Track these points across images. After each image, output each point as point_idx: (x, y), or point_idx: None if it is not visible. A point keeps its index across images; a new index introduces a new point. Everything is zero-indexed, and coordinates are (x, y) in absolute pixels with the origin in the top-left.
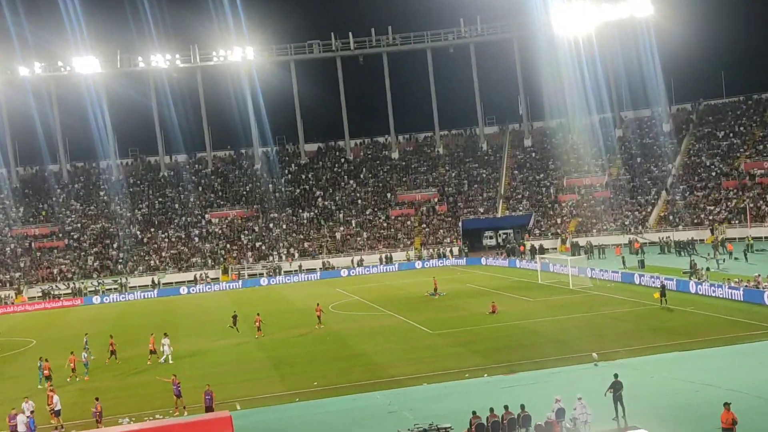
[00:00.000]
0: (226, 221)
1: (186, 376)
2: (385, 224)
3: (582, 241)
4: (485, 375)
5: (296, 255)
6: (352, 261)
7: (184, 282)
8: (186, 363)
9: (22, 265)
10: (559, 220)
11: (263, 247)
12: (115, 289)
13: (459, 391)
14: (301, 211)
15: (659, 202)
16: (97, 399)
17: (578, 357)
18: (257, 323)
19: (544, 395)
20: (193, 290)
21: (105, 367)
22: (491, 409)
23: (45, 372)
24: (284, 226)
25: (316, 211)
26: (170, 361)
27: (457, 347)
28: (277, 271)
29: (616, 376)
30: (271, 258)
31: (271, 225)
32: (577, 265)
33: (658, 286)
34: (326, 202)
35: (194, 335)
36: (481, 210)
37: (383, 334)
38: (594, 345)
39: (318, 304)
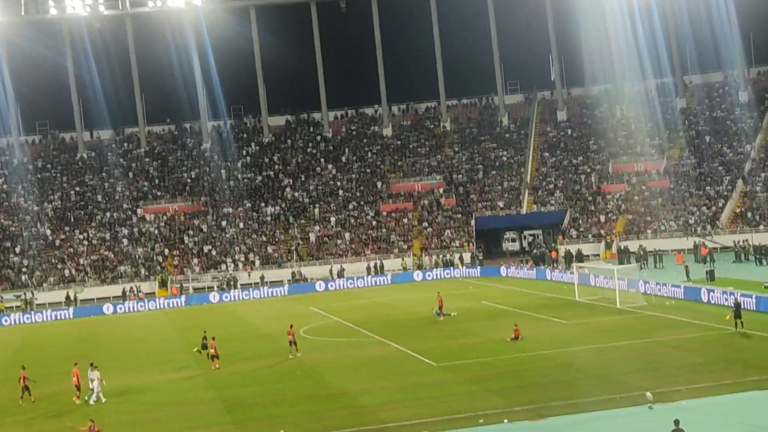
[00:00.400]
0: (165, 218)
1: (109, 423)
2: (374, 223)
3: (633, 245)
4: (505, 421)
5: (257, 263)
6: (331, 271)
7: (109, 298)
8: (111, 404)
9: None
10: (602, 218)
11: (213, 253)
12: (17, 307)
13: None
14: (263, 205)
15: (734, 194)
16: None
17: (627, 397)
18: (212, 349)
19: None
20: (120, 309)
21: (17, 409)
22: None
23: None
24: (241, 225)
25: (283, 206)
26: (102, 399)
27: (468, 384)
28: (232, 284)
29: (677, 423)
30: (224, 267)
31: (224, 223)
32: (627, 277)
33: (732, 306)
34: (297, 194)
35: (122, 368)
36: (501, 204)
37: (371, 367)
38: (648, 382)
39: (291, 327)
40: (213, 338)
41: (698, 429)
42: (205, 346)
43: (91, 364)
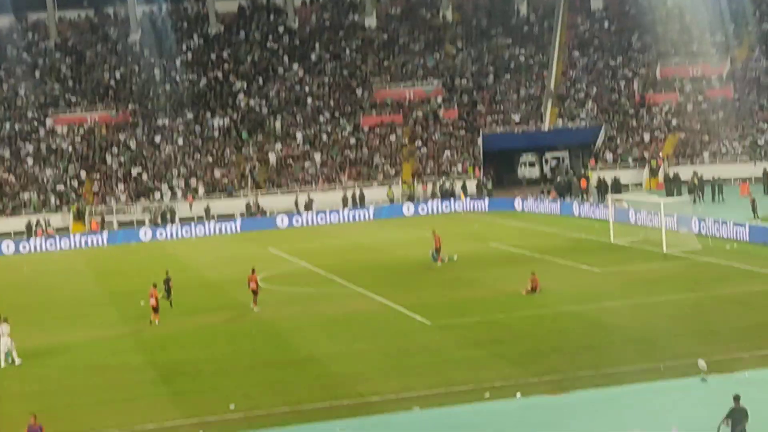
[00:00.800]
0: (81, 131)
1: (12, 395)
2: (352, 141)
3: (685, 172)
4: (517, 395)
5: (201, 191)
6: (297, 203)
7: (10, 234)
8: (14, 371)
9: None
10: (646, 137)
11: (144, 177)
12: None
13: (474, 420)
14: (209, 115)
15: None
16: None
17: (674, 367)
18: (153, 299)
19: (616, 429)
20: (24, 248)
21: None
22: None
23: None
24: (181, 142)
25: (234, 117)
26: (16, 360)
27: (471, 349)
28: (168, 217)
29: (737, 399)
30: (158, 196)
31: (158, 139)
32: (677, 213)
33: None
34: (253, 102)
35: (27, 325)
36: (517, 119)
37: (348, 325)
38: (701, 347)
39: (253, 272)
40: (153, 285)
41: (765, 407)
42: (169, 291)
43: (3, 319)
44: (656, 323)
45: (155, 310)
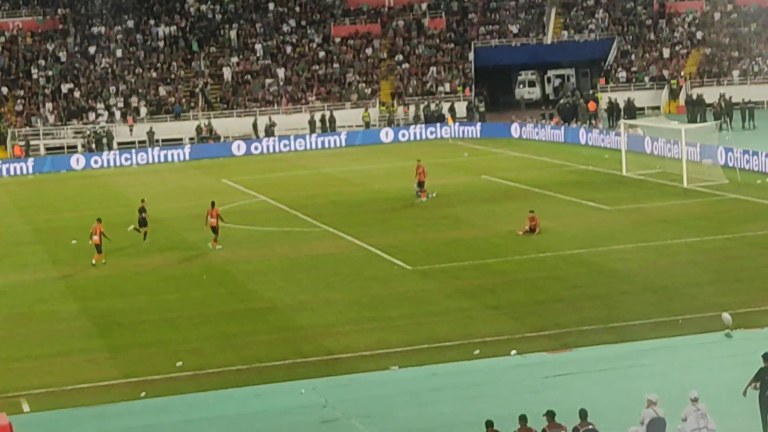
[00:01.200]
0: (2, 39)
1: None
2: (321, 54)
3: (711, 94)
4: (513, 352)
5: (143, 112)
6: (255, 126)
7: None
8: None
9: None
10: (666, 53)
11: (77, 95)
12: None
13: (461, 381)
14: (153, 23)
15: None
16: None
17: (695, 320)
18: (96, 235)
19: (626, 392)
20: None
21: None
22: (522, 419)
23: None
24: (119, 54)
25: (183, 25)
26: None
27: (459, 299)
28: (105, 142)
29: (766, 358)
30: (92, 116)
31: (92, 50)
32: (700, 142)
33: None
34: (204, 7)
35: None
36: (514, 30)
37: (315, 270)
38: (726, 297)
39: (213, 205)
40: (99, 220)
41: None
42: (144, 222)
43: None
44: (674, 270)
45: (98, 249)
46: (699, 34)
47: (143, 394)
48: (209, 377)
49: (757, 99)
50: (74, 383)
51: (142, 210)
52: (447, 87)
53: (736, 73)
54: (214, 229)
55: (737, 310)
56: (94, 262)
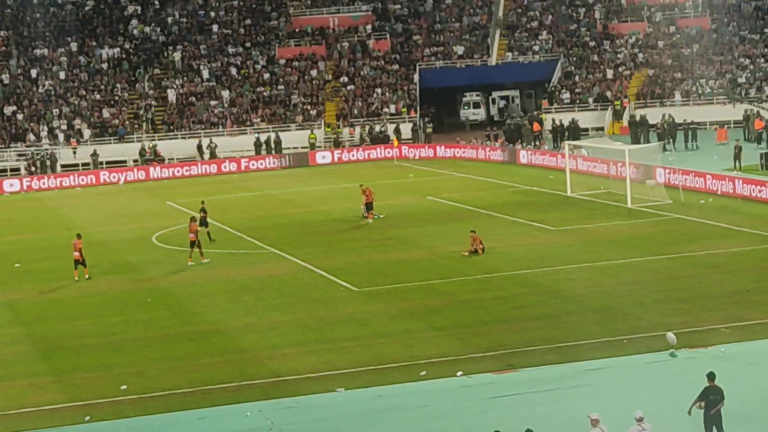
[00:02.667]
0: None
1: None
2: (266, 76)
3: (654, 115)
4: (459, 373)
5: (86, 134)
6: (200, 147)
7: None
8: None
9: None
10: (609, 74)
11: (19, 117)
12: None
13: (407, 402)
14: (96, 45)
15: None
16: None
17: (639, 340)
18: (77, 252)
19: (570, 412)
20: None
21: None
22: None
23: None
24: (62, 76)
25: (127, 47)
26: None
27: (405, 320)
28: (49, 164)
29: (711, 377)
30: (33, 139)
31: (34, 72)
32: (644, 162)
33: None
34: (148, 29)
35: None
36: (459, 51)
37: (260, 293)
38: (671, 317)
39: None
40: (78, 236)
41: (743, 386)
42: (206, 222)
43: None
44: (619, 290)
45: (77, 264)
46: (641, 56)
47: (88, 418)
48: (154, 401)
49: (699, 120)
50: (18, 407)
51: (202, 210)
52: (392, 108)
53: (678, 94)
54: (193, 244)
55: (681, 329)
56: (77, 278)
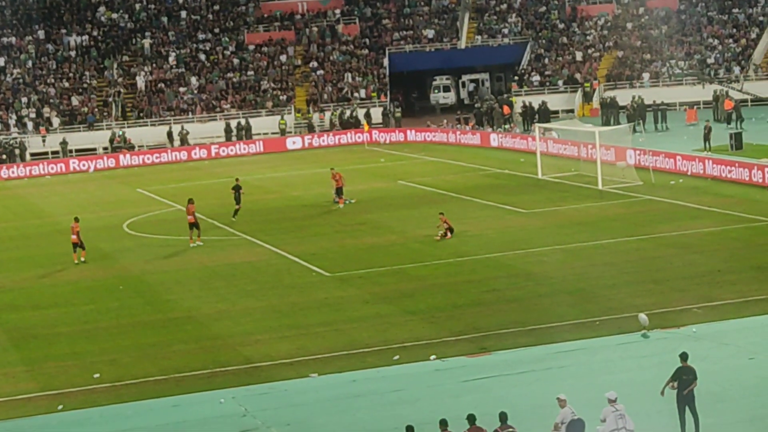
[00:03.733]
0: None
1: None
2: (235, 62)
3: (624, 96)
4: (432, 357)
5: (55, 122)
6: (170, 134)
7: None
8: None
9: None
10: (578, 56)
11: None
12: None
13: (381, 387)
14: (64, 32)
15: None
16: None
17: (611, 321)
18: (74, 235)
19: (543, 394)
20: None
21: None
22: (443, 423)
23: None
24: (30, 64)
25: (95, 34)
26: None
27: (377, 304)
28: (18, 152)
29: (684, 357)
30: (1, 127)
31: (2, 61)
32: (615, 144)
33: None
34: (116, 16)
35: None
36: (428, 35)
37: (232, 279)
38: (643, 299)
39: (190, 201)
40: (76, 219)
41: (715, 366)
42: (239, 198)
43: None
44: (590, 272)
45: (75, 247)
46: (610, 38)
47: (60, 407)
48: (127, 389)
49: (668, 101)
50: None
51: (237, 188)
52: (362, 93)
53: (647, 76)
54: (192, 225)
55: (653, 310)
56: (76, 261)
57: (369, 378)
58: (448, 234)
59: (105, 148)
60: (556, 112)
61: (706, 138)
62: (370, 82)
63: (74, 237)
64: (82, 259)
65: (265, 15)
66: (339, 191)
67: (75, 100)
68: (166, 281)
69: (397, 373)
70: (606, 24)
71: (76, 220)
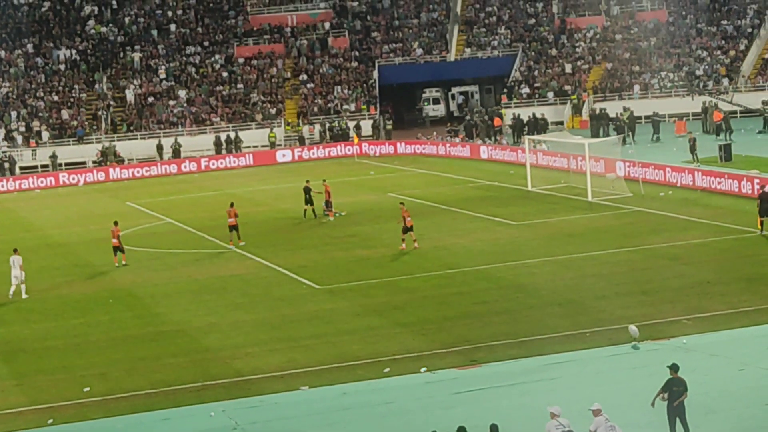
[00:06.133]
0: None
1: None
2: (225, 75)
3: (613, 108)
4: (423, 369)
5: (45, 135)
6: (160, 147)
7: None
8: None
9: None
10: (568, 68)
11: None
12: None
13: (372, 399)
14: (53, 46)
15: (762, 32)
16: None
17: (602, 333)
18: (115, 239)
19: (534, 406)
20: None
21: None
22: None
23: None
24: (20, 79)
25: (84, 47)
26: (23, 295)
27: (368, 317)
28: (7, 166)
29: (674, 368)
30: None
31: None
32: (604, 156)
33: (758, 197)
34: (105, 29)
35: None
36: (419, 49)
37: (222, 292)
38: (633, 310)
39: (232, 205)
40: (116, 223)
41: (705, 377)
42: (311, 200)
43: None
44: (581, 283)
45: (116, 250)
46: (600, 50)
47: (50, 420)
48: (117, 402)
49: (659, 112)
50: None
51: (308, 190)
52: (352, 106)
53: (637, 87)
54: (234, 228)
55: (643, 321)
56: (117, 264)
57: (359, 390)
58: (409, 225)
59: (94, 162)
60: (546, 123)
61: (692, 149)
62: (359, 95)
63: (115, 240)
64: (123, 262)
65: (255, 28)
66: (328, 204)
67: (64, 114)
68: (156, 294)
69: (388, 386)
70: (595, 36)
71: (116, 223)
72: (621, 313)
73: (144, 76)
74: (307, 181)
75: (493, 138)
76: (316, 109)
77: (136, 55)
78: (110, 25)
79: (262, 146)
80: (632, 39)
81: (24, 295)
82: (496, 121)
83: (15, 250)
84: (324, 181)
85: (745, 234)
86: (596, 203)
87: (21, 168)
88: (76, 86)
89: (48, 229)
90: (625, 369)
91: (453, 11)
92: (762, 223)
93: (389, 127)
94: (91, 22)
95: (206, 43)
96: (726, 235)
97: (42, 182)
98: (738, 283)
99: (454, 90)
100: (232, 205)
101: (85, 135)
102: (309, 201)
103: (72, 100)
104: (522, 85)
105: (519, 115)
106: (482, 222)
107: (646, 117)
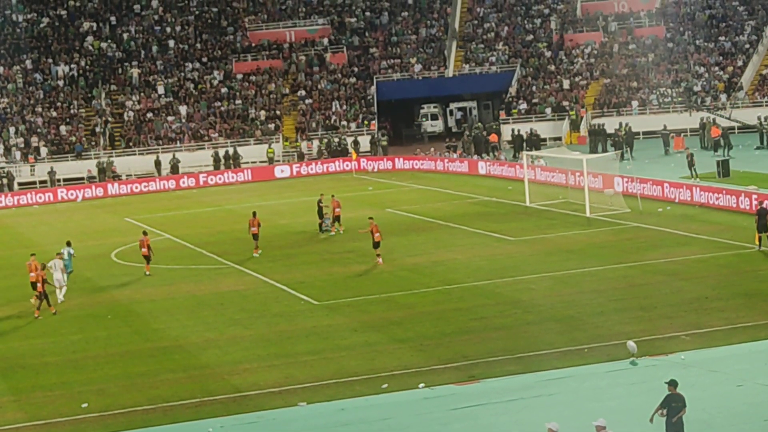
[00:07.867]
0: None
1: None
2: (224, 91)
3: (611, 124)
4: (421, 385)
5: (43, 152)
6: (158, 163)
7: None
8: None
9: None
10: (566, 84)
11: None
12: None
13: (370, 415)
14: (52, 62)
15: (760, 47)
16: None
17: (600, 348)
18: (145, 248)
19: (532, 422)
20: None
21: None
22: None
23: None
24: (19, 95)
25: (83, 63)
26: (59, 298)
27: (366, 333)
28: (6, 182)
29: (673, 384)
30: None
31: None
32: (602, 172)
33: (755, 213)
34: (104, 45)
35: None
36: (417, 65)
37: (221, 308)
38: (631, 326)
39: (255, 215)
40: (145, 232)
41: (704, 393)
42: (321, 212)
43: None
44: (579, 299)
45: (147, 260)
46: (598, 66)
47: None
48: (115, 418)
49: (656, 129)
50: None
51: (319, 202)
52: (352, 122)
53: (635, 103)
54: (256, 236)
55: (642, 337)
56: (147, 272)
57: (357, 406)
58: (377, 239)
59: (93, 178)
60: (544, 139)
61: (690, 165)
62: (357, 111)
63: (144, 250)
64: (147, 272)
65: (253, 44)
66: (335, 218)
67: (63, 130)
68: (154, 310)
69: (386, 402)
70: (593, 52)
71: (145, 233)
72: (619, 329)
73: (143, 92)
74: (321, 195)
75: (491, 154)
76: (314, 124)
77: (135, 71)
78: (109, 41)
79: (261, 162)
80: (630, 55)
81: (60, 298)
82: (493, 137)
83: (58, 254)
84: (333, 196)
85: (743, 249)
86: (594, 219)
87: (19, 184)
88: (75, 102)
89: (46, 245)
90: (623, 385)
91: (451, 27)
92: (760, 239)
93: (384, 143)
94: (90, 38)
95: (205, 59)
96: (724, 251)
97: (40, 198)
98: (736, 299)
99: (453, 106)
100: (254, 214)
101: (83, 151)
102: (321, 215)
103: (70, 115)
104: (520, 101)
105: (519, 130)
106: (480, 237)
107: (645, 132)
